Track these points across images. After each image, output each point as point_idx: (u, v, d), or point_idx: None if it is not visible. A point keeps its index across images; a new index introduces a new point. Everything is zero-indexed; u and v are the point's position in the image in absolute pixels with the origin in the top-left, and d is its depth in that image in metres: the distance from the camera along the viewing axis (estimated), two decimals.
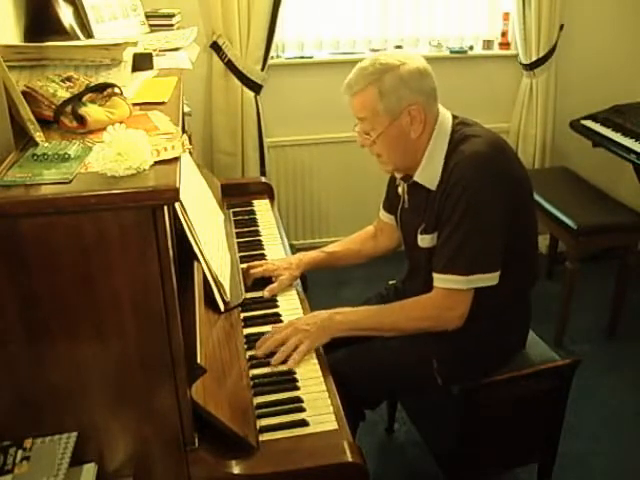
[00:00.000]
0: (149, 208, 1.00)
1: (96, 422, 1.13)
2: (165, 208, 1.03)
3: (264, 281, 1.79)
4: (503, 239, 1.56)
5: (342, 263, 1.97)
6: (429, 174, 1.62)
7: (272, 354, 1.51)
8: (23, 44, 1.64)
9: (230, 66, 2.97)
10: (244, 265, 1.84)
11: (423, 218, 1.66)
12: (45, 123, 1.21)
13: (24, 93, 1.18)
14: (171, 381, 1.12)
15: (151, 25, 2.23)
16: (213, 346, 1.39)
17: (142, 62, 1.59)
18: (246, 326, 1.61)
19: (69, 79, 1.32)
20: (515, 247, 1.61)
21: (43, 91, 1.25)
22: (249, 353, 1.51)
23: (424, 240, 1.66)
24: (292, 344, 1.51)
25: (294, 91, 3.19)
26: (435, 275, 1.59)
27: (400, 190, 1.78)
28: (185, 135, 1.21)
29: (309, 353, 1.52)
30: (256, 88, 3.02)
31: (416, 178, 1.65)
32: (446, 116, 1.64)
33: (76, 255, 1.01)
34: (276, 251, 1.98)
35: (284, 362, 1.49)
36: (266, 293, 1.75)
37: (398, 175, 1.75)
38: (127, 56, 1.50)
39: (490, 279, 1.56)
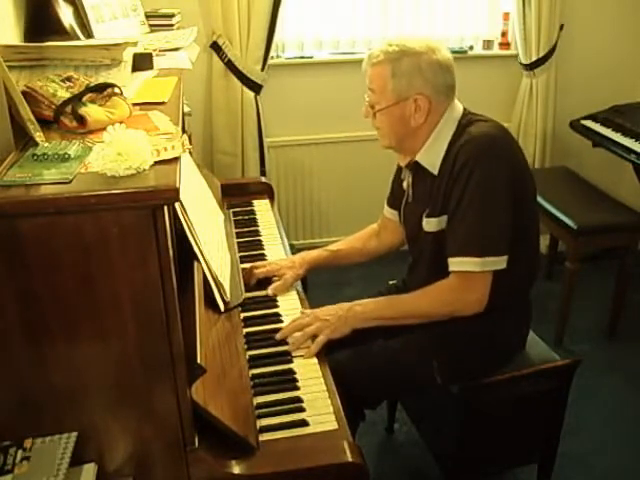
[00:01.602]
0: (149, 208, 1.00)
1: (96, 422, 1.13)
2: (165, 208, 1.03)
3: (266, 282, 1.79)
4: (510, 220, 1.57)
5: (345, 261, 1.97)
6: (431, 156, 1.64)
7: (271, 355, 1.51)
8: (23, 44, 1.64)
9: (230, 66, 2.97)
10: (246, 265, 1.85)
11: (428, 204, 1.67)
12: (45, 123, 1.21)
13: (24, 93, 1.18)
14: (171, 381, 1.12)
15: (151, 25, 2.23)
16: (213, 346, 1.39)
17: (142, 62, 1.59)
18: (246, 326, 1.61)
19: (69, 79, 1.32)
20: (516, 246, 1.61)
21: (43, 91, 1.25)
22: (249, 353, 1.52)
23: (430, 224, 1.66)
24: (311, 331, 1.55)
25: (294, 91, 3.19)
26: (450, 259, 1.59)
27: (405, 185, 1.79)
28: (185, 135, 1.21)
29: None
30: (256, 88, 3.02)
31: (418, 158, 1.67)
32: (457, 109, 1.66)
33: (76, 255, 1.01)
34: (276, 251, 1.98)
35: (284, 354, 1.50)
36: (270, 291, 1.75)
37: (403, 162, 1.75)
38: (127, 56, 1.50)
39: (501, 262, 1.56)
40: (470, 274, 1.56)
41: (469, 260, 1.55)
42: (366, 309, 1.64)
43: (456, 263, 1.58)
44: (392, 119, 1.63)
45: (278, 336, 1.56)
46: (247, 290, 1.72)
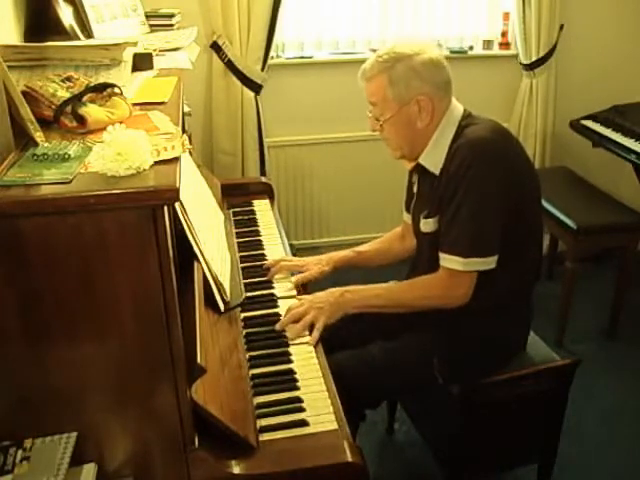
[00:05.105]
0: (149, 208, 1.00)
1: (96, 422, 1.13)
2: (165, 208, 1.03)
3: (265, 283, 1.80)
4: (502, 222, 1.58)
5: (371, 263, 1.99)
6: (433, 158, 1.65)
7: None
8: (23, 44, 1.64)
9: (230, 66, 2.97)
10: (246, 265, 1.86)
11: (427, 205, 1.68)
12: (45, 123, 1.21)
13: (24, 93, 1.18)
14: (171, 381, 1.12)
15: (151, 25, 2.24)
16: (213, 346, 1.39)
17: (142, 62, 1.59)
18: (246, 326, 1.61)
19: (69, 79, 1.32)
20: (517, 245, 1.61)
21: (43, 91, 1.25)
22: (249, 353, 1.52)
23: (426, 224, 1.68)
24: (309, 319, 1.59)
25: (294, 91, 3.18)
26: (440, 254, 1.62)
27: (414, 187, 1.80)
28: (185, 135, 1.21)
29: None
30: (256, 88, 3.02)
31: (420, 160, 1.68)
32: (457, 108, 1.67)
33: (76, 255, 1.01)
34: (276, 251, 1.98)
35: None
36: (293, 280, 1.79)
37: (408, 166, 1.76)
38: (127, 56, 1.50)
39: (487, 263, 1.58)
40: (456, 272, 1.59)
41: (455, 259, 1.58)
42: (356, 297, 1.68)
43: (445, 259, 1.61)
44: (399, 126, 1.64)
45: (278, 326, 1.59)
46: (261, 283, 1.77)
